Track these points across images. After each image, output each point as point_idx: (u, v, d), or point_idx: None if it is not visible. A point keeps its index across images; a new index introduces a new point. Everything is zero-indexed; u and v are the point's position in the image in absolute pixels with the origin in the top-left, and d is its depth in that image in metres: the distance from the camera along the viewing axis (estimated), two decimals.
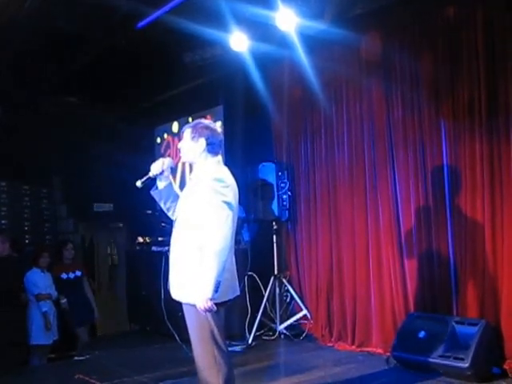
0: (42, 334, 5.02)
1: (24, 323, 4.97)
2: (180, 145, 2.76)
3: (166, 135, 6.79)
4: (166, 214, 2.85)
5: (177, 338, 4.45)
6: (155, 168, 2.69)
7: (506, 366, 3.43)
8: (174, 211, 2.76)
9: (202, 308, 2.43)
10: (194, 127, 2.69)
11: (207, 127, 2.69)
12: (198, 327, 2.54)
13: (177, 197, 2.77)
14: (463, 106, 3.76)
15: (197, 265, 2.49)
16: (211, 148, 2.65)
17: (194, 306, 2.49)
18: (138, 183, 2.70)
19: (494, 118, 3.58)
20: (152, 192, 2.76)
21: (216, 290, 2.41)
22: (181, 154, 2.78)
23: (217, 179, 2.55)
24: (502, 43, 3.54)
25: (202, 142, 2.64)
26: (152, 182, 2.75)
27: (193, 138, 2.66)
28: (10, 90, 5.64)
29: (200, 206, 2.52)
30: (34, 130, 6.13)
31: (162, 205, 2.79)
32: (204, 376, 2.55)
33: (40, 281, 5.13)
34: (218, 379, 2.50)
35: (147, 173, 2.71)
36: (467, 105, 3.73)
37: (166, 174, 2.72)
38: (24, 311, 5.02)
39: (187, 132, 2.69)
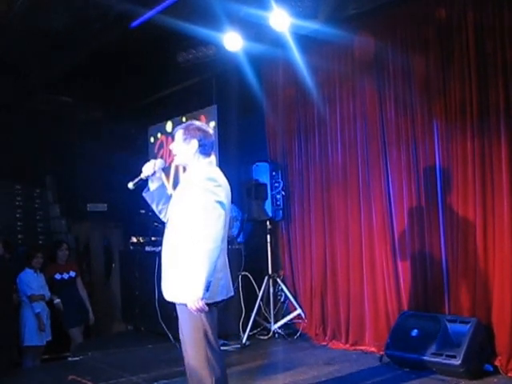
0: (34, 336, 5.00)
1: (16, 324, 4.94)
2: (171, 146, 2.75)
3: (159, 135, 6.77)
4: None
5: (171, 337, 4.45)
6: (147, 169, 2.67)
7: (497, 363, 3.47)
8: (166, 213, 2.75)
9: (194, 308, 2.43)
10: (185, 129, 2.69)
11: (199, 129, 2.69)
12: (191, 328, 2.54)
13: (169, 198, 2.75)
14: (455, 106, 3.79)
15: (189, 265, 2.49)
16: (203, 149, 2.66)
17: (187, 306, 2.49)
18: (130, 185, 2.68)
19: (486, 118, 3.61)
20: (144, 194, 2.74)
21: (207, 290, 2.41)
22: (173, 156, 2.77)
23: (209, 179, 2.57)
24: (492, 44, 3.57)
25: (195, 143, 2.65)
26: (144, 183, 2.73)
27: (185, 139, 2.66)
28: (1, 89, 5.60)
29: (193, 205, 2.53)
30: (26, 129, 6.10)
31: (154, 207, 2.76)
32: (196, 376, 2.54)
33: (33, 282, 5.10)
34: (210, 380, 2.50)
35: (139, 174, 2.69)
36: (459, 104, 3.76)
37: (157, 175, 2.70)
38: (16, 312, 4.99)
39: (179, 133, 2.69)
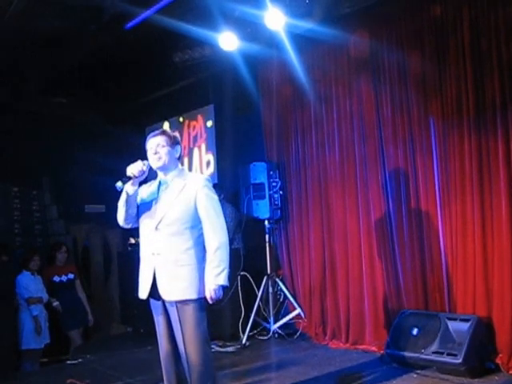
0: (32, 339, 4.98)
1: (15, 327, 4.92)
2: (157, 150, 2.68)
3: None
4: None
5: None
6: (135, 169, 2.64)
7: (498, 361, 3.46)
8: (132, 219, 2.75)
9: (214, 296, 2.55)
10: (167, 135, 2.74)
11: (176, 136, 2.80)
12: (195, 324, 2.58)
13: (136, 203, 2.74)
14: (451, 103, 3.78)
15: (197, 261, 2.60)
16: (181, 155, 2.79)
17: (193, 301, 2.57)
18: (119, 184, 2.61)
19: (482, 114, 3.60)
20: (126, 198, 2.70)
21: (228, 278, 2.58)
22: (153, 160, 2.70)
23: (209, 180, 2.73)
24: (487, 41, 3.56)
25: (179, 148, 2.75)
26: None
27: (171, 144, 2.71)
28: None
29: (202, 205, 2.63)
30: (22, 130, 6.07)
31: (127, 212, 2.71)
32: (198, 371, 2.59)
33: (31, 284, 5.08)
34: (208, 375, 2.60)
35: (125, 175, 2.64)
36: (455, 101, 3.75)
37: (144, 176, 2.70)
38: (15, 315, 4.97)
39: (162, 138, 2.70)
